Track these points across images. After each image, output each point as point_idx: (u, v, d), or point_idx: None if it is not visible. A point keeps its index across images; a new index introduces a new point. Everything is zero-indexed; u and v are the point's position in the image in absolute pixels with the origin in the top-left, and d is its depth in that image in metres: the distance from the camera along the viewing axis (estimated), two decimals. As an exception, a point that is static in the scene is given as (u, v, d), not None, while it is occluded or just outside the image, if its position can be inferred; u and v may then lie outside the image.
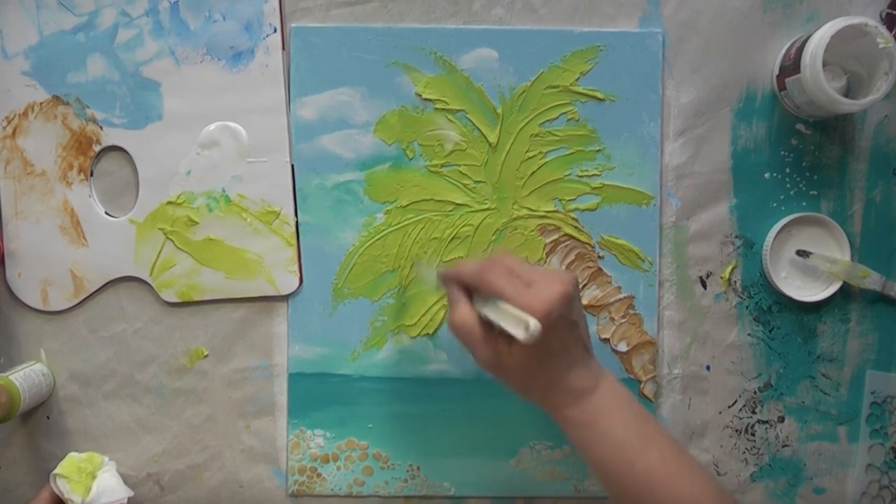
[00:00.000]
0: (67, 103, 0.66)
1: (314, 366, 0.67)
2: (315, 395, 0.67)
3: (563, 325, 0.54)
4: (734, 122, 0.67)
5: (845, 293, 0.67)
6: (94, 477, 0.64)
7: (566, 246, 0.67)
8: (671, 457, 0.54)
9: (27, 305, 0.67)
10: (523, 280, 0.53)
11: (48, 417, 0.68)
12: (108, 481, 0.64)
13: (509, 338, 0.52)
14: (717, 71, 0.66)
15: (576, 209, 0.67)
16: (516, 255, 0.65)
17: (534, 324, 0.50)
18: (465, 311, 0.55)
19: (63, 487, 0.63)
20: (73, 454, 0.65)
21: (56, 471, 0.63)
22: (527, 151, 0.66)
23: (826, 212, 0.67)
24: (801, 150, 0.67)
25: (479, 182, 0.67)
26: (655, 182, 0.66)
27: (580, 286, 0.66)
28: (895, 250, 0.67)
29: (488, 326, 0.54)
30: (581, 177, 0.66)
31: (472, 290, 0.56)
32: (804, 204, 0.67)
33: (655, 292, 0.67)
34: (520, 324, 0.51)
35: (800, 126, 0.67)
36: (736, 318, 0.67)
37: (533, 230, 0.67)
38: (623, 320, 0.67)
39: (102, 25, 0.66)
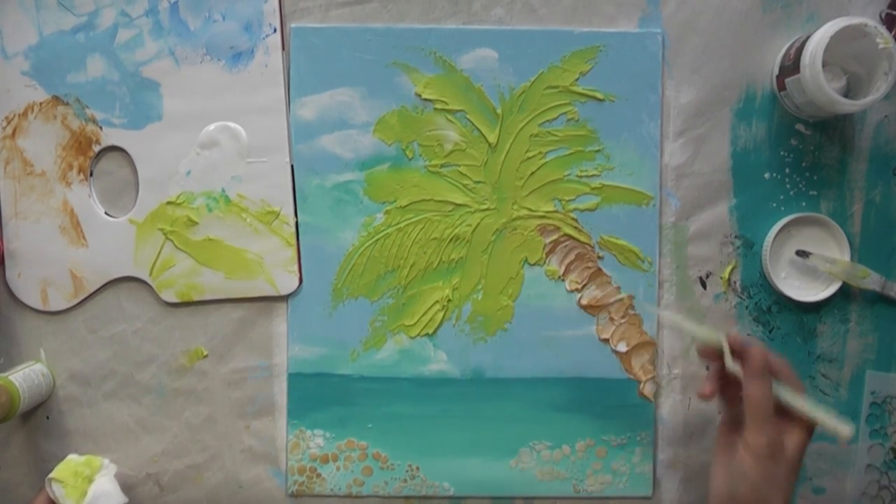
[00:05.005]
0: (67, 103, 0.66)
1: (314, 366, 0.67)
2: (315, 395, 0.67)
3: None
4: (734, 122, 0.67)
5: (845, 293, 0.67)
6: (90, 481, 0.64)
7: (566, 246, 0.67)
8: None
9: (27, 305, 0.67)
10: None
11: (48, 417, 0.68)
12: (104, 486, 0.63)
13: (781, 435, 0.55)
14: (717, 71, 0.66)
15: (575, 209, 0.67)
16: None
17: (850, 429, 0.54)
18: (768, 389, 0.55)
19: (58, 492, 0.62)
20: (71, 457, 0.65)
21: (52, 474, 0.63)
22: (526, 152, 0.66)
23: (826, 212, 0.67)
24: (801, 150, 0.67)
25: (479, 182, 0.67)
26: (655, 182, 0.66)
27: (580, 286, 0.67)
28: (895, 250, 0.67)
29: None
30: (581, 177, 0.66)
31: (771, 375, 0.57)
32: (804, 204, 0.67)
33: (655, 292, 0.67)
34: (832, 424, 0.55)
35: (799, 126, 0.67)
36: (735, 318, 0.67)
37: (532, 230, 0.67)
38: (623, 320, 0.67)
39: (102, 25, 0.66)
